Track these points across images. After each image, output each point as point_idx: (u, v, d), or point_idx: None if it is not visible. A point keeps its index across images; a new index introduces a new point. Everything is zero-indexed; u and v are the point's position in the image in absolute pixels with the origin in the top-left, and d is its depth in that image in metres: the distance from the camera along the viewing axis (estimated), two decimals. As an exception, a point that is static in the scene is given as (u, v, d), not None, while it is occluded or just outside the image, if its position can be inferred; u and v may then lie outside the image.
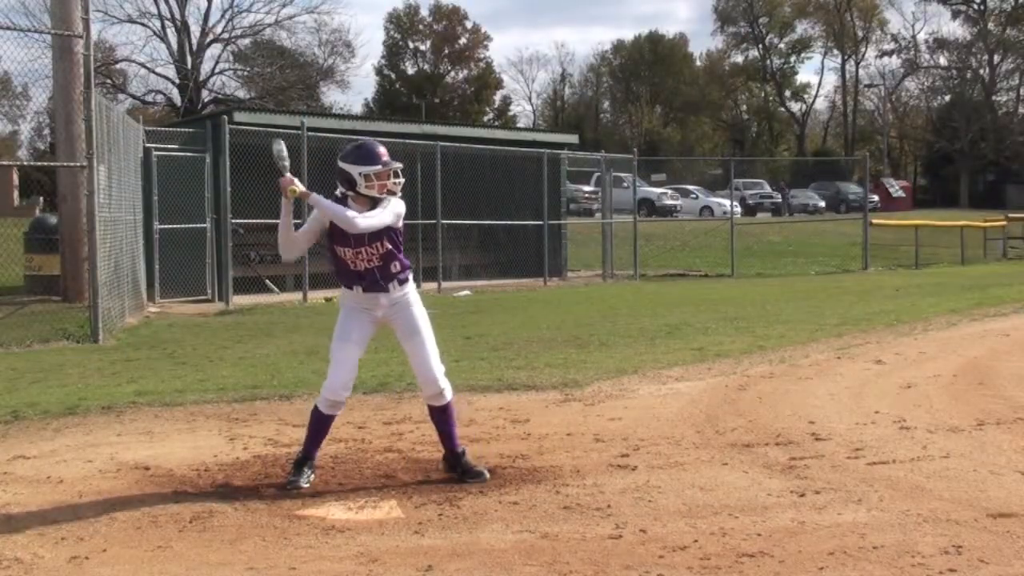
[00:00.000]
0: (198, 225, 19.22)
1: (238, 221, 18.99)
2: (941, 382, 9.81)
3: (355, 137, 19.73)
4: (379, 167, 6.10)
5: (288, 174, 6.15)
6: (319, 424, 6.36)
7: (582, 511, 5.67)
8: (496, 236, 26.79)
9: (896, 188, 69.21)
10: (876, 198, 55.78)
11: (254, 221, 19.70)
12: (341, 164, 6.15)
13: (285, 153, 6.33)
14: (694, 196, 53.11)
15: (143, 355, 12.09)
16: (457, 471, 6.34)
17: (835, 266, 31.78)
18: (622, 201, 30.48)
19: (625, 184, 32.41)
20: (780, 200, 57.16)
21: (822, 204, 58.09)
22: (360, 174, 6.09)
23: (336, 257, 6.30)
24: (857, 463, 6.67)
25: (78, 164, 14.31)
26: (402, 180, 6.26)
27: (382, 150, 6.17)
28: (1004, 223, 39.76)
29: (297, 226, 6.37)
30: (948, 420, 8.02)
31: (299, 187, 6.09)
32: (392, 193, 6.19)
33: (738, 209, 37.71)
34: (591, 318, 15.98)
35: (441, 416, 6.41)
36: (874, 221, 34.15)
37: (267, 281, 20.52)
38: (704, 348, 12.06)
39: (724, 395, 9.18)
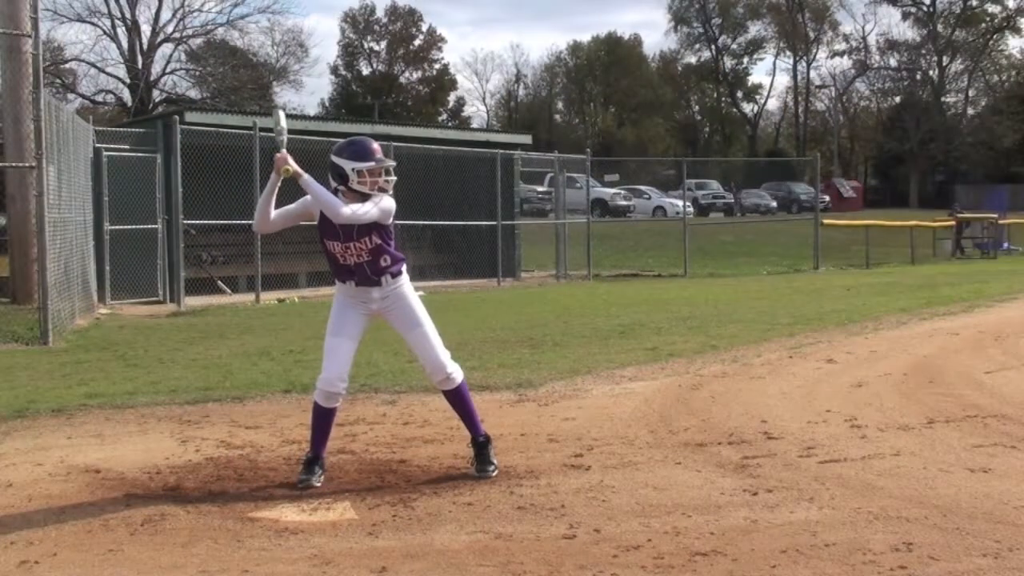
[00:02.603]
0: (149, 226, 19.07)
1: (190, 222, 18.86)
2: (892, 381, 9.89)
3: (308, 138, 19.59)
4: (372, 163, 6.14)
5: (284, 150, 6.16)
6: (321, 419, 6.36)
7: (536, 511, 5.67)
8: (449, 237, 26.75)
9: (847, 188, 69.91)
10: (827, 198, 56.38)
11: (206, 222, 19.59)
12: (334, 159, 6.17)
13: (284, 126, 6.37)
14: (647, 196, 53.38)
15: (94, 357, 11.98)
16: (472, 460, 6.45)
17: (787, 266, 31.95)
18: (575, 201, 30.51)
19: (578, 184, 32.46)
20: (732, 200, 57.50)
21: (774, 204, 58.51)
22: (353, 169, 6.11)
23: (327, 251, 6.31)
24: (809, 462, 6.71)
25: (27, 165, 14.17)
26: (394, 178, 6.30)
27: (375, 147, 6.24)
28: (953, 223, 40.20)
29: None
30: (899, 418, 8.08)
31: (293, 166, 6.08)
32: (383, 190, 6.22)
33: (691, 209, 37.90)
34: (545, 318, 15.99)
35: (456, 399, 6.51)
36: (825, 221, 34.42)
37: (219, 282, 20.40)
38: (657, 348, 12.10)
39: (677, 394, 9.21)
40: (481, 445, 6.46)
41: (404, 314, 6.37)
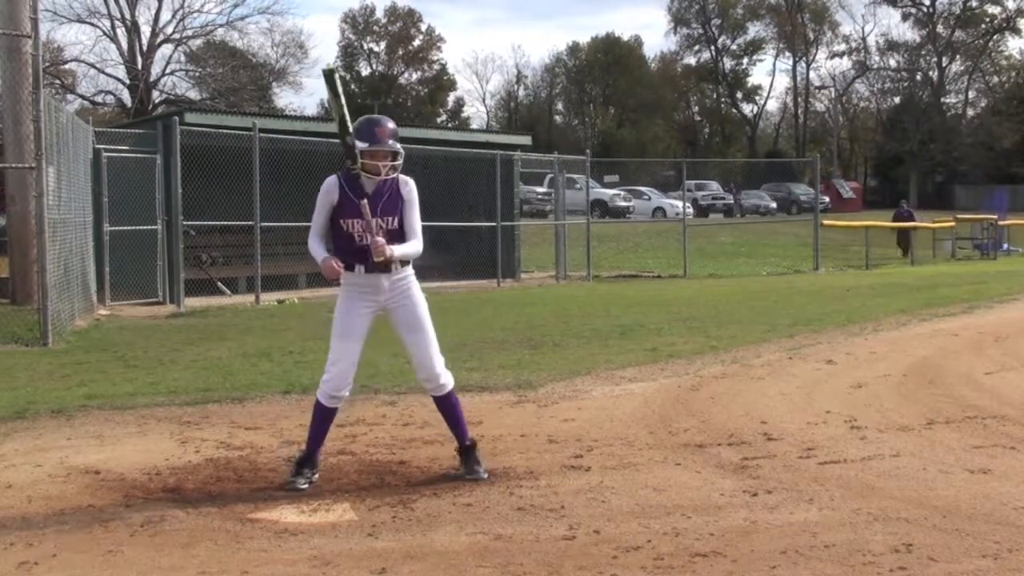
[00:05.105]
0: (149, 227, 19.03)
1: (189, 223, 18.84)
2: (891, 382, 9.89)
3: (307, 139, 19.49)
4: (366, 145, 6.12)
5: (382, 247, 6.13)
6: (324, 417, 6.35)
7: (536, 512, 5.67)
8: (449, 237, 26.69)
9: (847, 189, 69.95)
10: (827, 199, 56.37)
11: (205, 223, 19.58)
12: (349, 139, 6.15)
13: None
14: (647, 197, 53.40)
15: (93, 358, 11.98)
16: (460, 466, 6.44)
17: (787, 267, 31.92)
18: (575, 202, 30.51)
19: (578, 185, 32.46)
20: (732, 201, 57.54)
21: (773, 205, 58.56)
22: (359, 151, 6.11)
23: (341, 232, 6.23)
24: (808, 463, 6.72)
25: (27, 165, 14.15)
26: (398, 163, 6.23)
27: (379, 130, 6.18)
28: (952, 224, 40.20)
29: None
30: (898, 419, 8.09)
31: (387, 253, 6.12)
32: (376, 173, 6.15)
33: (690, 210, 37.92)
34: (544, 319, 15.99)
35: (446, 405, 6.52)
36: (825, 222, 34.40)
37: (219, 283, 20.39)
38: (657, 349, 12.10)
39: (677, 395, 9.21)
40: (468, 449, 6.47)
41: (410, 314, 6.35)
